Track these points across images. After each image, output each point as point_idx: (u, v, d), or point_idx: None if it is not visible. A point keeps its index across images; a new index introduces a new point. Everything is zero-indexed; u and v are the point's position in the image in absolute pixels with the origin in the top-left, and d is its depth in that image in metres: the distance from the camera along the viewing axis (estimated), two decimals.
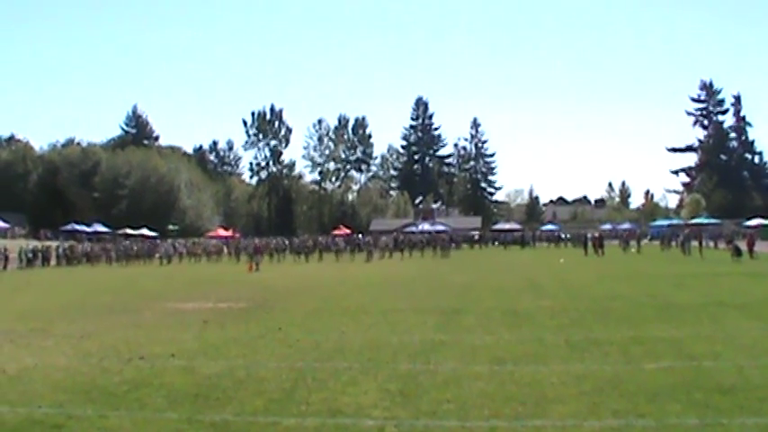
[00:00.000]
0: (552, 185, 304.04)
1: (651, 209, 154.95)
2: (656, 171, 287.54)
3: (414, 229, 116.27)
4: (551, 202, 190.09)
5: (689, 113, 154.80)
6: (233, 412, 12.42)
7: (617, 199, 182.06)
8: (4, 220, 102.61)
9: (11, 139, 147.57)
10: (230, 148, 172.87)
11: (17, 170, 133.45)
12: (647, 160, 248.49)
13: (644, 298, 28.98)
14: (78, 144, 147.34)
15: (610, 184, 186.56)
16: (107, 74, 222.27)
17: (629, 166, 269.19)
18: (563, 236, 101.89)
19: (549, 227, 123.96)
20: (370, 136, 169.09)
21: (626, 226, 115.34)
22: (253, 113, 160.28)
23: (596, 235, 78.08)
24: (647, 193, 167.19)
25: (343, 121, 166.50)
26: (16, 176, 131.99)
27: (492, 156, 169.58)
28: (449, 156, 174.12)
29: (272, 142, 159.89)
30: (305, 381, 14.70)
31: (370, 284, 40.02)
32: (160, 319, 26.46)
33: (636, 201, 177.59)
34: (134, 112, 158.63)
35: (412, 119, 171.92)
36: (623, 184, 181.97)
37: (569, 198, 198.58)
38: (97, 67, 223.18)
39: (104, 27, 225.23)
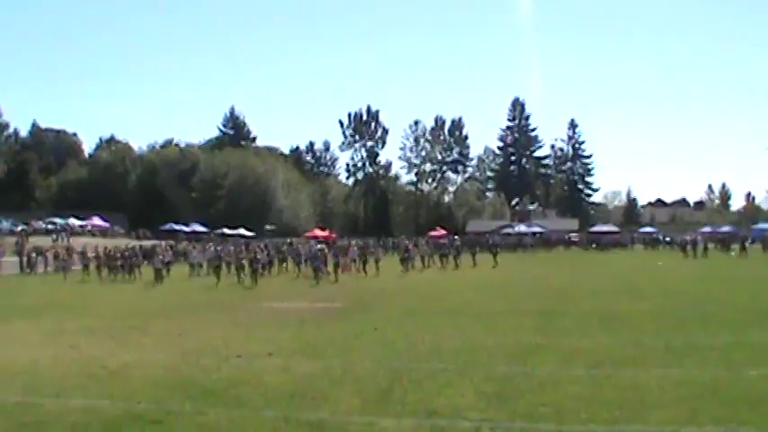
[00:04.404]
0: (650, 187, 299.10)
1: (752, 211, 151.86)
2: (757, 173, 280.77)
3: (510, 230, 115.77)
4: (649, 203, 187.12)
5: None
6: (329, 411, 12.50)
7: (717, 201, 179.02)
8: (105, 220, 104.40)
9: (111, 140, 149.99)
10: (327, 149, 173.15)
11: (117, 170, 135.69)
12: (748, 161, 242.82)
13: (746, 302, 28.35)
14: (177, 145, 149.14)
15: (710, 186, 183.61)
16: (205, 75, 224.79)
17: (730, 168, 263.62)
18: (661, 238, 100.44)
19: (647, 229, 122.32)
20: (466, 137, 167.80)
21: (726, 229, 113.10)
22: (349, 114, 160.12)
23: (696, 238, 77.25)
24: (749, 195, 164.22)
25: (439, 123, 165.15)
26: (116, 177, 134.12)
27: (589, 157, 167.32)
28: (546, 157, 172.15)
29: (369, 143, 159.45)
30: (401, 381, 14.71)
31: (466, 287, 39.85)
32: (257, 317, 26.79)
33: (736, 203, 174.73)
34: (231, 113, 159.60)
35: (509, 120, 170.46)
36: (723, 186, 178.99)
37: (668, 200, 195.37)
38: (195, 69, 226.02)
39: (203, 29, 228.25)
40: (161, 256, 52.67)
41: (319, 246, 54.47)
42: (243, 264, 46.22)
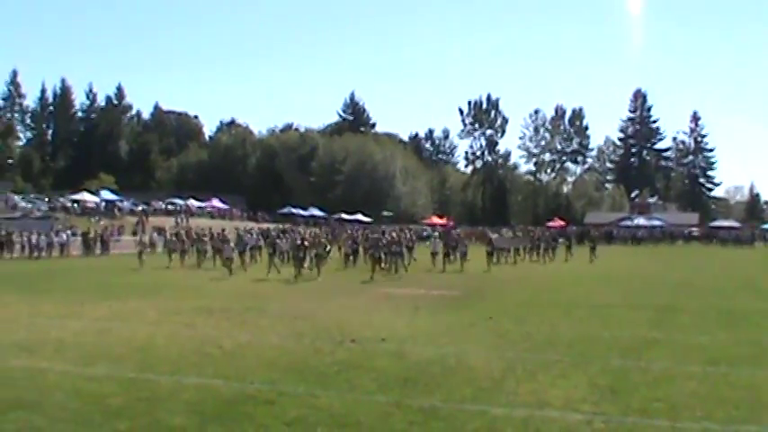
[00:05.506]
0: None
1: None
2: None
3: (629, 223, 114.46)
4: None
5: None
6: (441, 398, 12.49)
7: None
8: (224, 202, 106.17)
9: (232, 123, 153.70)
10: (446, 137, 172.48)
11: (237, 153, 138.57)
12: None
13: None
14: (296, 129, 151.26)
15: None
16: (326, 61, 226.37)
17: None
18: None
19: None
20: (586, 128, 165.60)
21: None
22: (469, 102, 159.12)
23: None
24: None
25: (559, 112, 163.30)
26: (236, 159, 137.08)
27: (712, 150, 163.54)
28: (667, 149, 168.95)
29: (488, 131, 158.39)
30: (514, 371, 14.65)
31: (581, 279, 39.52)
32: (372, 303, 26.95)
33: None
34: (351, 98, 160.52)
35: (630, 111, 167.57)
36: None
37: None
38: (316, 55, 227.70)
39: (325, 15, 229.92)
40: (232, 244, 47.10)
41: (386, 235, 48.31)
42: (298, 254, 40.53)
